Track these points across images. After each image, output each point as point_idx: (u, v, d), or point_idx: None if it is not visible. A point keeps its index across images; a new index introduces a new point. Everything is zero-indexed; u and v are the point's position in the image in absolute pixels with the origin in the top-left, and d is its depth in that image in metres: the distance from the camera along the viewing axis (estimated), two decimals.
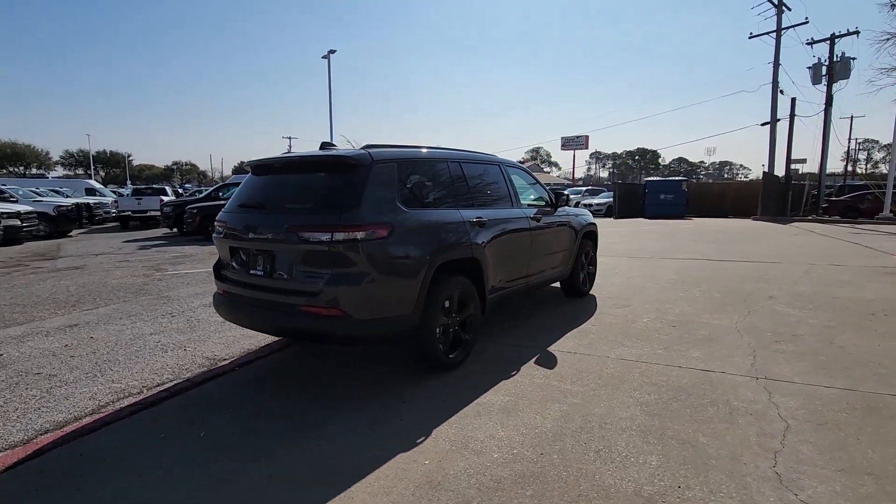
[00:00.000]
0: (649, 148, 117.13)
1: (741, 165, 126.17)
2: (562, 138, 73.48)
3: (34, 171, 69.86)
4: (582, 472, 2.39)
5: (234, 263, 3.58)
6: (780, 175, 23.65)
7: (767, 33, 24.12)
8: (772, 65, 23.68)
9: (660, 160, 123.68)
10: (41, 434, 2.87)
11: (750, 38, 24.74)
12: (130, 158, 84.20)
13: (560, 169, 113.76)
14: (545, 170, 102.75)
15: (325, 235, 3.02)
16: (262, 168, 3.67)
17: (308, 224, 3.10)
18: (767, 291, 6.30)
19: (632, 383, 3.45)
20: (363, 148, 3.54)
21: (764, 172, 23.99)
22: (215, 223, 3.73)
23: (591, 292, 6.34)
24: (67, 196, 20.94)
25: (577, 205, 26.47)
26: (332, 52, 24.61)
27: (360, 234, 3.06)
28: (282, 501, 2.22)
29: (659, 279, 7.23)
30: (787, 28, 23.88)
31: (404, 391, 3.36)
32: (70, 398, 3.33)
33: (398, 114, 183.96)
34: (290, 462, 2.53)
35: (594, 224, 6.37)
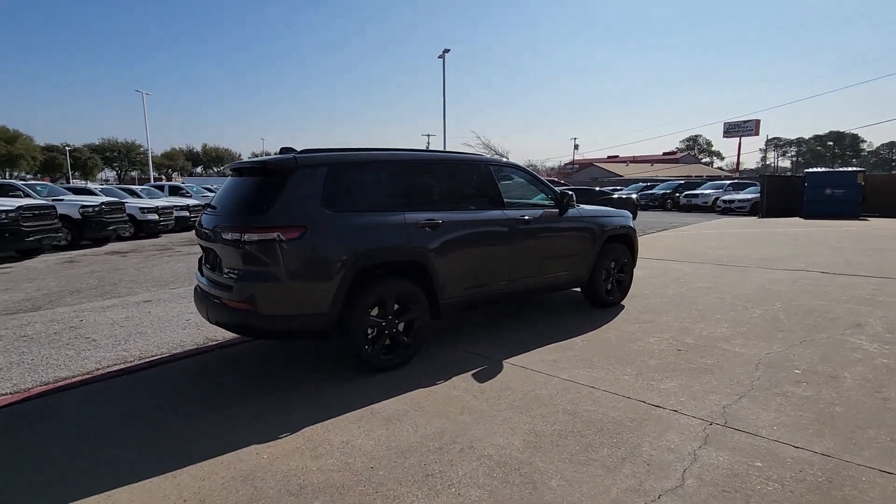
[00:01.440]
0: (846, 131, 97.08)
1: None
2: (725, 124, 64.95)
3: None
4: (387, 492, 2.28)
5: (203, 260, 4.07)
6: None
7: None
8: None
9: (863, 145, 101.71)
10: (41, 385, 3.66)
11: None
12: None
13: (722, 159, 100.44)
14: (703, 161, 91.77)
15: (237, 235, 3.30)
16: (229, 172, 4.10)
17: (226, 225, 3.41)
18: (861, 317, 4.97)
19: (548, 409, 3.10)
20: (301, 152, 3.73)
21: None
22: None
23: (625, 302, 5.69)
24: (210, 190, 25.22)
25: (714, 202, 23.52)
26: (447, 51, 25.42)
27: (267, 236, 3.26)
28: (130, 458, 2.54)
29: (725, 293, 6.14)
30: None
31: (323, 390, 3.49)
32: (87, 360, 4.16)
33: (537, 105, 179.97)
34: (160, 436, 2.85)
35: (627, 227, 5.68)
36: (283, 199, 3.38)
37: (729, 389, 3.34)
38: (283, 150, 3.93)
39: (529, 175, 5.12)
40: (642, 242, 11.60)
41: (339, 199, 3.62)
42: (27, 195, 12.82)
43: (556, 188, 5.10)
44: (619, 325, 4.90)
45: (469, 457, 2.57)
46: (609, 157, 77.46)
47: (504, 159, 5.69)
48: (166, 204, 16.32)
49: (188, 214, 17.47)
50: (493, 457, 2.56)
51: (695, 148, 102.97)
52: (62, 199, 13.00)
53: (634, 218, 15.52)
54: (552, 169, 61.90)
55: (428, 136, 70.07)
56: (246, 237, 3.27)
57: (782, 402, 3.14)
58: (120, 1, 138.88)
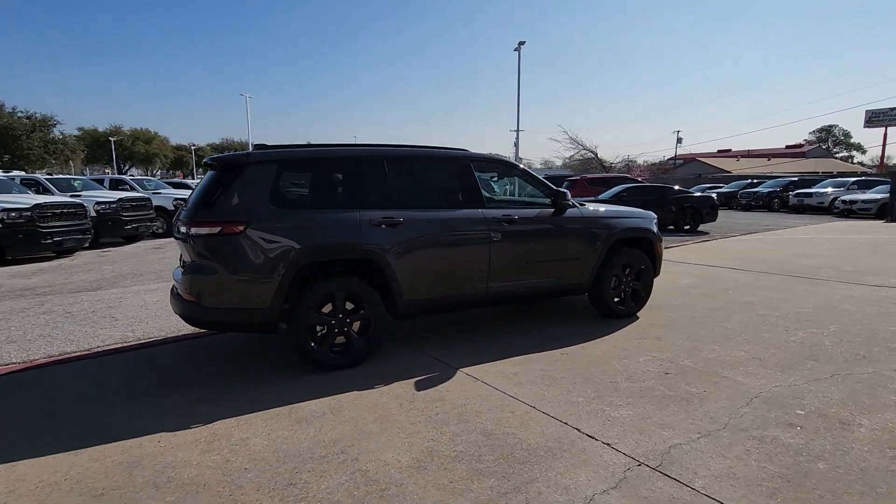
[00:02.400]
0: None
1: None
2: (867, 111, 56.02)
3: None
4: (240, 497, 2.22)
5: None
6: None
7: None
8: None
9: None
10: (44, 357, 4.12)
11: None
12: None
13: (864, 153, 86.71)
14: (837, 155, 80.00)
15: (186, 229, 3.43)
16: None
17: (180, 220, 3.56)
18: None
19: (465, 426, 2.84)
20: (257, 147, 3.79)
21: None
22: None
23: (642, 314, 5.10)
24: None
25: (832, 202, 20.26)
26: (522, 43, 24.63)
27: (211, 230, 3.36)
28: (54, 434, 2.75)
29: (772, 311, 5.26)
30: None
31: (266, 384, 3.52)
32: (94, 338, 4.61)
33: (638, 97, 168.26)
34: (94, 417, 3.05)
35: (645, 230, 5.07)
36: (229, 195, 3.46)
37: (693, 426, 2.82)
38: (257, 147, 4.03)
39: (521, 172, 4.76)
40: (712, 247, 10.42)
41: (288, 195, 3.63)
42: (133, 189, 14.69)
43: (553, 186, 4.68)
44: (618, 339, 4.39)
45: (344, 470, 2.43)
46: (719, 152, 70.63)
47: (492, 155, 5.34)
48: None
49: None
50: (369, 473, 2.40)
51: (828, 140, 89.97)
52: (160, 193, 14.71)
53: (713, 219, 14.04)
54: (645, 164, 57.60)
55: (517, 130, 69.06)
56: (192, 231, 3.39)
57: (750, 448, 2.58)
58: (233, 19, 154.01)
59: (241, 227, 3.40)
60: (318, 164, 3.82)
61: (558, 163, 51.35)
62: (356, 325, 3.80)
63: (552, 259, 4.57)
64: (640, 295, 5.13)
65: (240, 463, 2.50)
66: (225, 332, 4.49)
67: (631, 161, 53.07)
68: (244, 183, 3.51)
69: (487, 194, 4.91)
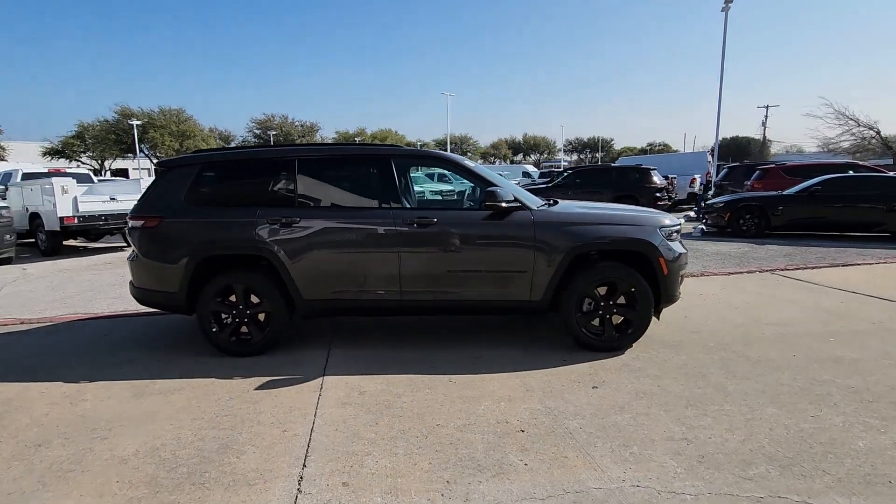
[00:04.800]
0: None
1: None
2: None
3: (522, 158, 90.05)
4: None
5: None
6: None
7: None
8: None
9: None
10: (60, 316, 5.50)
11: None
12: (612, 143, 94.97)
13: None
14: None
15: (127, 222, 4.15)
16: None
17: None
18: None
19: (223, 426, 2.77)
20: (195, 152, 4.25)
21: None
22: None
23: (639, 349, 3.94)
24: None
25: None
26: (730, 1, 19.81)
27: (137, 223, 4.00)
28: None
29: (818, 345, 3.41)
30: None
31: (171, 362, 4.01)
32: (97, 305, 5.87)
33: None
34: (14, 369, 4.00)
35: (635, 241, 3.85)
36: (155, 193, 4.05)
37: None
38: (195, 152, 4.50)
39: (458, 168, 4.14)
40: None
41: (202, 194, 4.02)
42: None
43: (491, 184, 3.94)
44: (551, 379, 3.53)
45: (88, 438, 2.70)
46: None
47: (423, 150, 4.70)
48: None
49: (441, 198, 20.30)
50: (95, 451, 2.61)
51: None
52: None
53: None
54: None
55: (767, 107, 58.08)
56: (130, 223, 4.10)
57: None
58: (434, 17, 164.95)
59: (157, 222, 3.95)
60: (231, 165, 4.12)
61: (811, 147, 40.85)
62: (262, 317, 4.01)
63: (486, 269, 3.91)
64: (630, 325, 3.95)
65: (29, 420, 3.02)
66: (156, 309, 4.73)
67: None
68: (167, 183, 4.05)
69: (422, 193, 4.47)
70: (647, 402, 3.09)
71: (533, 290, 3.91)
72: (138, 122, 40.02)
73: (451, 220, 3.92)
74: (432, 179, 19.91)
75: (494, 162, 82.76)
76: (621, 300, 3.97)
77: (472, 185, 4.39)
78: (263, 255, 3.87)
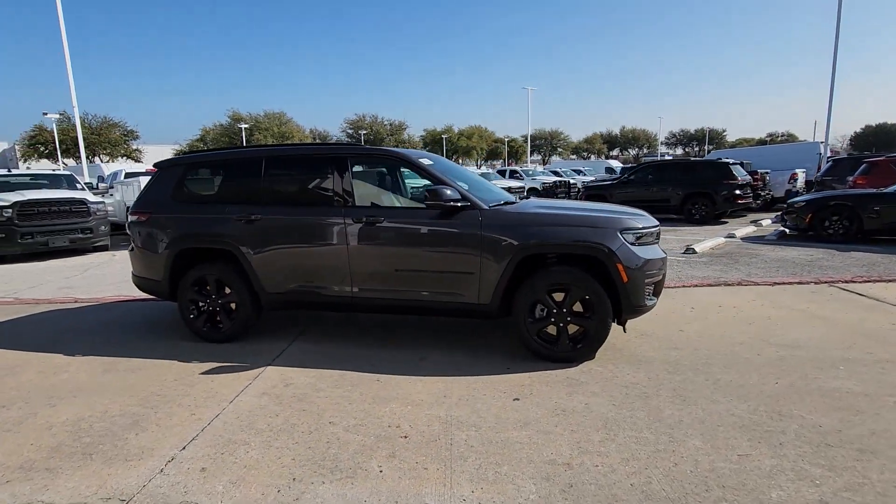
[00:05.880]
0: None
1: None
2: None
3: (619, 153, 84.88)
4: None
5: None
6: None
7: None
8: None
9: None
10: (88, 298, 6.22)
11: None
12: (724, 134, 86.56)
13: None
14: None
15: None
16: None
17: None
18: None
19: (124, 402, 3.04)
20: (189, 153, 4.64)
21: None
22: None
23: (604, 361, 3.65)
24: (581, 174, 26.88)
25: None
26: None
27: (132, 218, 4.49)
28: None
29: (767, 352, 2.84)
30: None
31: (153, 345, 4.47)
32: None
33: None
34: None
35: (586, 245, 3.53)
36: (148, 192, 4.51)
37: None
38: (186, 154, 4.93)
39: (411, 166, 4.05)
40: None
41: (185, 193, 4.41)
42: None
43: (440, 181, 3.82)
44: (466, 383, 3.39)
45: (75, 405, 3.12)
46: None
47: (379, 149, 4.55)
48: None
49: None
50: (39, 417, 3.01)
51: None
52: None
53: None
54: None
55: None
56: (130, 218, 4.60)
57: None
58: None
59: (147, 217, 4.40)
60: (209, 166, 4.47)
61: None
62: (233, 307, 4.30)
63: (435, 270, 3.83)
64: (590, 334, 3.64)
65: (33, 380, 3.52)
66: (149, 295, 5.01)
67: None
68: (158, 182, 4.49)
69: (416, 189, 4.49)
70: (558, 420, 2.85)
71: (481, 293, 3.76)
72: (246, 125, 44.47)
73: (395, 219, 3.90)
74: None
75: (589, 157, 79.53)
76: (579, 308, 3.68)
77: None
78: (229, 250, 4.15)
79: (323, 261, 4.01)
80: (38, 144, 41.11)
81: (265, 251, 4.07)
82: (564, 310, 3.65)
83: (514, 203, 4.09)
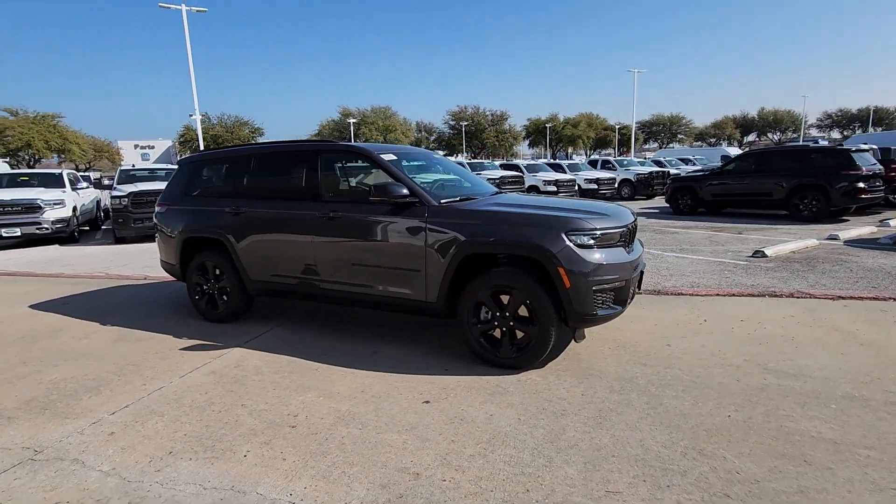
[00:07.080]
0: None
1: None
2: None
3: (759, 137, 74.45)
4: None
5: None
6: None
7: None
8: None
9: None
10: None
11: None
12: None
13: None
14: None
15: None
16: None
17: None
18: None
19: (89, 365, 3.52)
20: (204, 150, 5.15)
21: None
22: None
23: (553, 371, 3.43)
24: (689, 163, 24.63)
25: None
26: None
27: (157, 209, 5.12)
28: None
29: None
30: None
31: (152, 323, 5.07)
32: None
33: None
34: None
35: (528, 245, 3.28)
36: (169, 186, 5.11)
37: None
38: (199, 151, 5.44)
39: (373, 161, 4.03)
40: None
41: (194, 187, 4.92)
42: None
43: (396, 177, 3.78)
44: (390, 381, 3.37)
45: (64, 365, 3.76)
46: None
47: (344, 144, 4.44)
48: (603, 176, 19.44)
49: (595, 187, 19.16)
50: (40, 376, 3.64)
51: None
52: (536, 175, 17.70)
53: None
54: None
55: None
56: (156, 209, 5.26)
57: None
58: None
59: (166, 208, 5.01)
60: (214, 162, 4.91)
61: None
62: (229, 290, 4.74)
63: (385, 265, 3.84)
64: (533, 342, 3.40)
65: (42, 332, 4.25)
66: (170, 276, 5.61)
67: None
68: (176, 177, 5.08)
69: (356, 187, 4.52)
70: (448, 428, 2.73)
71: (428, 290, 3.70)
72: (354, 120, 47.56)
73: (351, 213, 3.96)
74: (429, 171, 19.45)
75: (717, 144, 71.79)
76: (525, 313, 3.45)
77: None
78: (220, 240, 4.57)
79: (293, 252, 4.24)
80: (186, 141, 48.47)
81: (246, 241, 4.42)
82: (507, 313, 3.45)
83: (477, 199, 3.92)
